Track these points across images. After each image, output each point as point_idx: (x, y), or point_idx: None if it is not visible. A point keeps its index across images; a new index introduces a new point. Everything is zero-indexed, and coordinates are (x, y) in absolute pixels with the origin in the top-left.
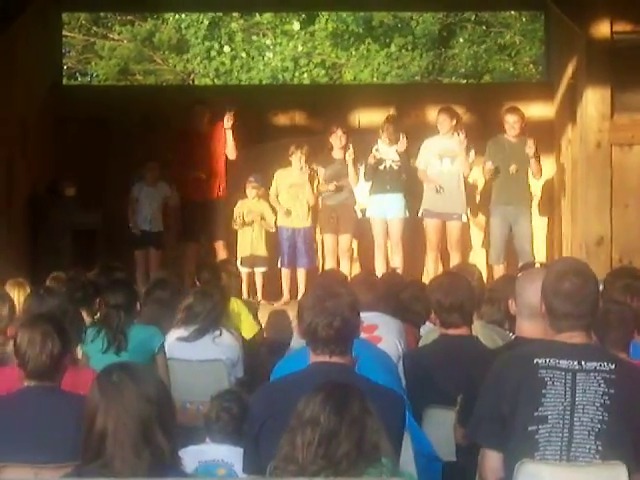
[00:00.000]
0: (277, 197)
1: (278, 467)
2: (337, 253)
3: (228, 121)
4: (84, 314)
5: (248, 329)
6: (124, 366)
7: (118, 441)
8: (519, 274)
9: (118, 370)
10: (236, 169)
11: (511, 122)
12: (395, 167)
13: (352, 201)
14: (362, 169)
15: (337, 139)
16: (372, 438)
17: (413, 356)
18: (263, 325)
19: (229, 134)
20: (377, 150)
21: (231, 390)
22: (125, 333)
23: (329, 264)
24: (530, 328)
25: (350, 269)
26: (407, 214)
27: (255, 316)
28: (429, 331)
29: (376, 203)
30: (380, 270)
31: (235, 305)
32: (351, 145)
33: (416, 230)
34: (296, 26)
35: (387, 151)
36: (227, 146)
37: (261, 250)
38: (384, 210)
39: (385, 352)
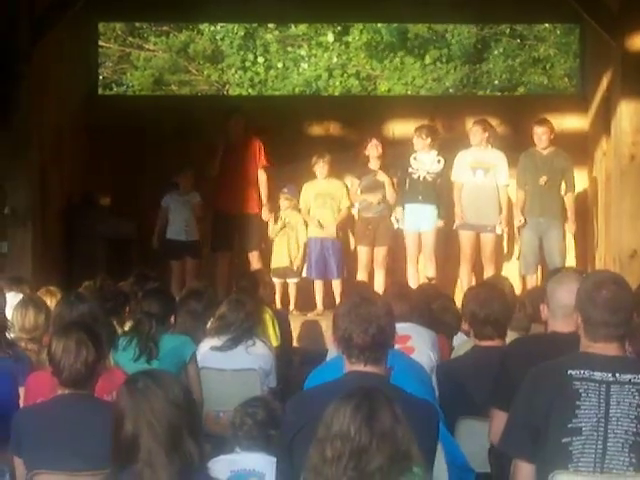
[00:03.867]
0: (308, 210)
1: (307, 478)
2: (371, 265)
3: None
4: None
5: (272, 341)
6: (149, 373)
7: (148, 447)
8: (549, 279)
9: (144, 377)
10: (272, 182)
11: (539, 133)
12: (429, 178)
13: (388, 213)
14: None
15: (373, 149)
16: (403, 447)
17: (446, 367)
18: (295, 336)
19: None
20: (415, 159)
21: (257, 397)
22: (156, 342)
23: (362, 276)
24: (564, 326)
25: (384, 281)
26: (440, 225)
27: (288, 328)
28: (463, 342)
29: (409, 214)
30: (412, 281)
31: (267, 315)
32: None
33: (450, 242)
34: (330, 38)
35: (424, 161)
36: (261, 157)
37: (294, 261)
38: (417, 222)
39: (418, 363)
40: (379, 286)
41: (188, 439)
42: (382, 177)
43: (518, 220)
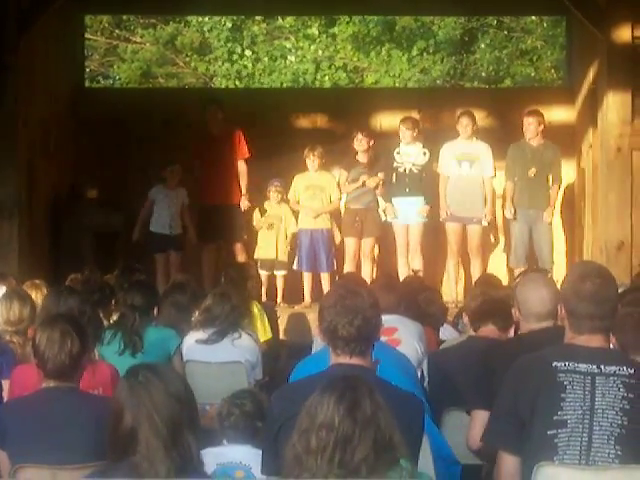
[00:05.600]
0: (298, 202)
1: (290, 469)
2: (358, 257)
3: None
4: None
5: (262, 334)
6: (149, 366)
7: (146, 440)
8: (517, 281)
9: (144, 370)
10: (259, 174)
11: (526, 124)
12: (415, 170)
13: (376, 204)
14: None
15: (360, 143)
16: (386, 434)
17: (438, 357)
18: (282, 328)
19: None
20: (399, 153)
21: (245, 389)
22: (141, 335)
23: (349, 268)
24: (537, 326)
25: (372, 272)
26: (427, 212)
27: (275, 320)
28: (454, 339)
29: (397, 207)
30: (403, 274)
31: (255, 308)
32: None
33: (437, 234)
34: (315, 30)
35: (408, 153)
36: (241, 148)
37: (281, 253)
38: (405, 214)
39: (404, 355)
40: (366, 278)
41: (187, 434)
42: (369, 170)
43: (509, 211)
